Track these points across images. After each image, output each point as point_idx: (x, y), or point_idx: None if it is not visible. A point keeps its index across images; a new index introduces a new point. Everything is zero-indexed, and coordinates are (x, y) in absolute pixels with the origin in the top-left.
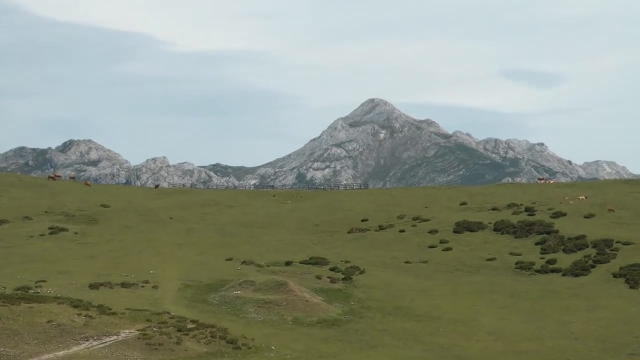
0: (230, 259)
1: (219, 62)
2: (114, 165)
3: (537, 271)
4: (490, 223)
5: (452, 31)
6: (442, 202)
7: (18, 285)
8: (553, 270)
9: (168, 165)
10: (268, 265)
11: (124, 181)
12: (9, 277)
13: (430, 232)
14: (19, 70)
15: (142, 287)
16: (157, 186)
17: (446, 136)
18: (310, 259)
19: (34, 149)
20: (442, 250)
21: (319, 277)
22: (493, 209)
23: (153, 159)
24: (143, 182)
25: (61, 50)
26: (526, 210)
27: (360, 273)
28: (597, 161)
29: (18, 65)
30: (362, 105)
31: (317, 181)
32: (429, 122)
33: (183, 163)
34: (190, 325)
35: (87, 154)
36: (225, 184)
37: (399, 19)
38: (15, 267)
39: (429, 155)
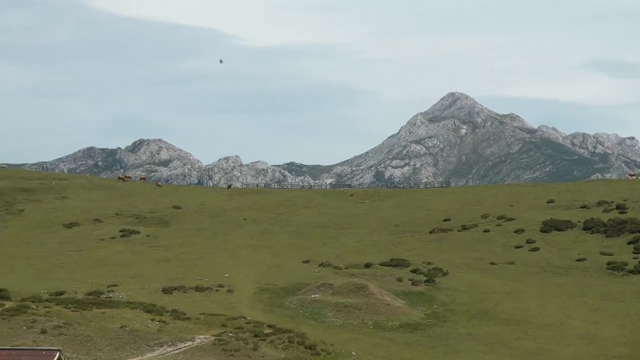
0: (307, 262)
1: (292, 57)
2: (185, 165)
3: (630, 272)
4: (579, 222)
5: (531, 21)
6: (528, 200)
7: (90, 290)
8: None
9: (241, 165)
10: (346, 268)
11: (196, 181)
12: (80, 281)
13: (516, 231)
14: (88, 68)
15: (217, 291)
16: (229, 186)
17: (531, 131)
18: (390, 260)
19: (103, 149)
20: (529, 250)
21: (399, 280)
22: (582, 207)
23: (225, 158)
24: (215, 183)
25: (130, 47)
26: (617, 207)
27: (443, 275)
28: None
29: (87, 64)
30: (441, 99)
31: (396, 179)
32: (513, 117)
33: (256, 162)
34: (267, 331)
35: (158, 154)
36: (301, 183)
37: (475, 10)
38: (86, 271)
39: (513, 152)
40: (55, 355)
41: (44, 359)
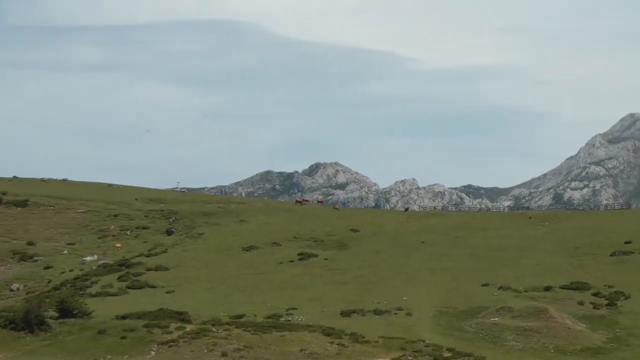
0: (485, 284)
1: (467, 79)
2: (362, 188)
3: None
4: None
5: None
6: None
7: (269, 313)
8: None
9: (418, 188)
10: (526, 291)
11: (373, 205)
12: (259, 304)
13: None
14: (264, 92)
15: (395, 314)
16: (406, 209)
17: None
18: (570, 283)
19: (280, 173)
20: None
21: (580, 303)
22: None
23: (402, 181)
24: (392, 205)
25: (304, 70)
26: None
27: (626, 298)
28: None
29: (262, 87)
30: (621, 120)
31: (575, 201)
32: None
33: (433, 185)
34: (446, 354)
35: (334, 177)
36: (478, 206)
37: None
38: (265, 294)
39: None
40: None
41: None
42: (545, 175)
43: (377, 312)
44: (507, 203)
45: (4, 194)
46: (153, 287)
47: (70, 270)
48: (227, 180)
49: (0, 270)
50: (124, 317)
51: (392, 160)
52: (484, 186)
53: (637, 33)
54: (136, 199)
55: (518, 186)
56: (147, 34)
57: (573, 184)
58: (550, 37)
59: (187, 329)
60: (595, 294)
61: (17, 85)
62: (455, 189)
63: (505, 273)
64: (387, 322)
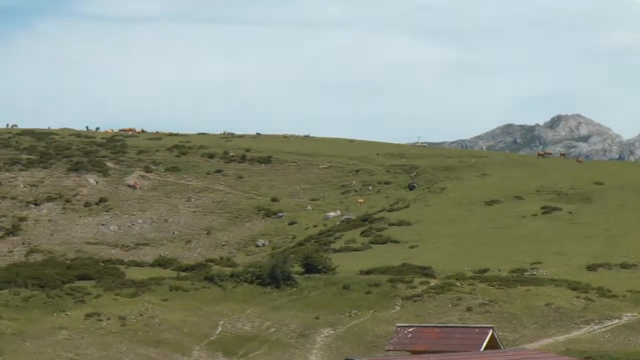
0: None
1: None
2: (605, 140)
3: None
4: None
5: None
6: None
7: (513, 267)
8: None
9: None
10: None
11: (616, 157)
12: (502, 258)
13: None
14: (504, 44)
15: None
16: None
17: None
18: None
19: (521, 126)
20: None
21: None
22: None
23: None
24: (637, 158)
25: (545, 22)
26: None
27: None
28: None
29: (502, 40)
30: None
31: None
32: None
33: None
34: None
35: (577, 129)
36: None
37: None
38: (508, 248)
39: None
40: (488, 333)
41: (477, 337)
42: None
43: (624, 266)
44: None
45: (247, 150)
46: (396, 242)
47: (314, 226)
48: (467, 134)
49: (246, 226)
50: (367, 272)
51: (636, 112)
52: None
53: None
54: (377, 154)
55: None
56: None
57: None
58: None
59: (431, 284)
60: None
61: (257, 43)
62: None
63: None
64: (635, 276)
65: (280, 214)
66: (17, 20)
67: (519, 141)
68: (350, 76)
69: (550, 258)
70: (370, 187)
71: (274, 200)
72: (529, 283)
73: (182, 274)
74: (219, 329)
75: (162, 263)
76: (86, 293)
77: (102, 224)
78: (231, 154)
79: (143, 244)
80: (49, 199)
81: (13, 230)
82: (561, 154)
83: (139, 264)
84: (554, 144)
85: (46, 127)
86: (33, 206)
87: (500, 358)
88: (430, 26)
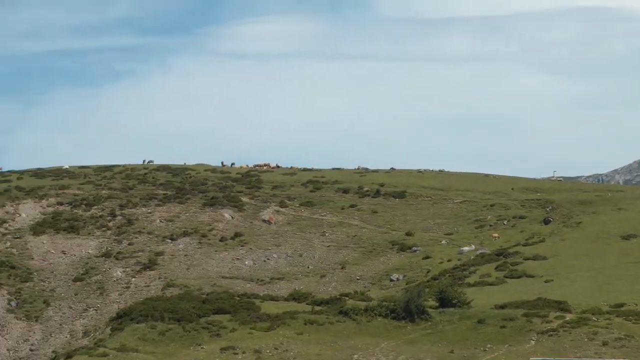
0: None
1: None
2: None
3: None
4: None
5: None
6: None
7: None
8: None
9: None
10: None
11: None
12: (639, 293)
13: None
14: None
15: None
16: None
17: None
18: None
19: None
20: None
21: None
22: None
23: None
24: None
25: None
26: None
27: None
28: None
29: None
30: None
31: None
32: None
33: None
34: None
35: None
36: None
37: None
38: None
39: None
40: None
41: None
42: None
43: None
44: None
45: (381, 185)
46: (531, 276)
47: (449, 260)
48: (604, 168)
49: (381, 260)
50: (502, 307)
51: None
52: None
53: None
54: (512, 189)
55: None
56: (517, 23)
57: None
58: None
59: (567, 318)
60: None
61: (389, 77)
62: None
63: None
64: None
65: (415, 249)
66: (153, 58)
67: None
68: (480, 110)
69: None
70: (505, 222)
71: (408, 234)
72: None
73: (317, 308)
74: None
75: (296, 297)
76: (222, 327)
77: (238, 259)
78: (365, 188)
79: (278, 278)
80: (185, 234)
81: (150, 265)
82: None
83: (274, 298)
84: None
85: (182, 163)
86: (169, 241)
87: None
88: (559, 61)
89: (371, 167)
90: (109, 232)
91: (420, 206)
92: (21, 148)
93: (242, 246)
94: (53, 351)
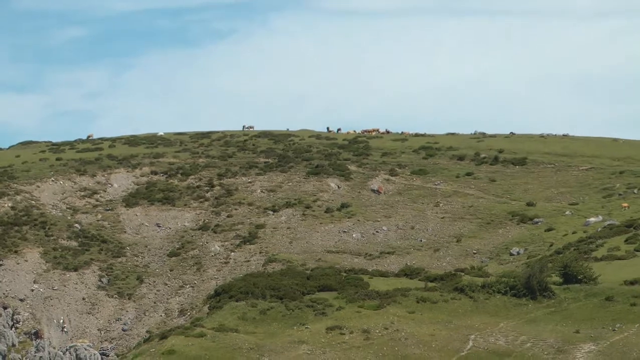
0: None
1: None
2: None
3: None
4: None
5: None
6: None
7: None
8: None
9: None
10: None
11: None
12: None
13: None
14: None
15: None
16: None
17: None
18: None
19: None
20: None
21: None
22: None
23: None
24: None
25: None
26: None
27: None
28: None
29: None
30: None
31: None
32: None
33: None
34: None
35: None
36: None
37: None
38: None
39: None
40: None
41: None
42: None
43: None
44: None
45: (500, 151)
46: None
47: (573, 233)
48: None
49: (499, 233)
50: (632, 283)
51: None
52: None
53: None
54: None
55: None
56: None
57: None
58: None
59: None
60: None
61: (508, 35)
62: None
63: None
64: None
65: (537, 220)
66: (255, 16)
67: None
68: (614, 71)
69: None
70: (635, 191)
71: (529, 205)
72: None
73: (430, 284)
74: (470, 343)
75: (408, 273)
76: (327, 305)
77: (344, 231)
78: (483, 155)
79: (388, 253)
80: (288, 205)
81: (250, 239)
82: None
83: (384, 274)
84: None
85: (284, 129)
86: (271, 212)
87: None
88: None
89: (489, 131)
90: (206, 203)
91: (542, 174)
92: (113, 114)
93: (349, 218)
94: (147, 331)
